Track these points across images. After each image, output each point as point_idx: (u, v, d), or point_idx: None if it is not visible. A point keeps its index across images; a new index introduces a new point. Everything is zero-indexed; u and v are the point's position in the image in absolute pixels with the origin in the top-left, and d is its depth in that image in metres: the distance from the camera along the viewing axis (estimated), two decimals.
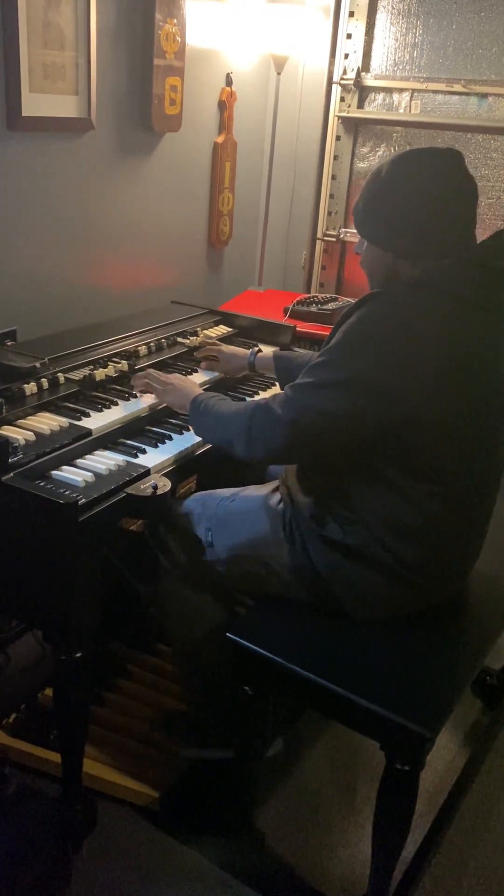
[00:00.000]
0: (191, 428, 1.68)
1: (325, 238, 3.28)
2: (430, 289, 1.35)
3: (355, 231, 1.50)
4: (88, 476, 1.47)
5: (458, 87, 2.90)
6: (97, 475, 1.49)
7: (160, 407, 1.81)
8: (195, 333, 2.25)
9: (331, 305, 2.68)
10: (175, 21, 2.40)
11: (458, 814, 1.80)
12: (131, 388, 1.84)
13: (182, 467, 1.65)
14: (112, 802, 1.73)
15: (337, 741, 1.96)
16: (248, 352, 2.06)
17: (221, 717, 1.71)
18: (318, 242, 3.30)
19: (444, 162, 1.38)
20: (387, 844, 1.44)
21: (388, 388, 1.33)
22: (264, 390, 2.06)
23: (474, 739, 2.02)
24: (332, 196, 3.23)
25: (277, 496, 1.62)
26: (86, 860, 1.61)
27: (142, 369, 1.96)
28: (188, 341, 2.18)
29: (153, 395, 1.80)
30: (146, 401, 1.79)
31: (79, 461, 1.54)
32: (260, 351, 2.07)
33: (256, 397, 2.00)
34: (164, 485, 1.48)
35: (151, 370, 1.85)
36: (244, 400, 1.87)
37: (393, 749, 1.32)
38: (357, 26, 3.00)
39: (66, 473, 1.48)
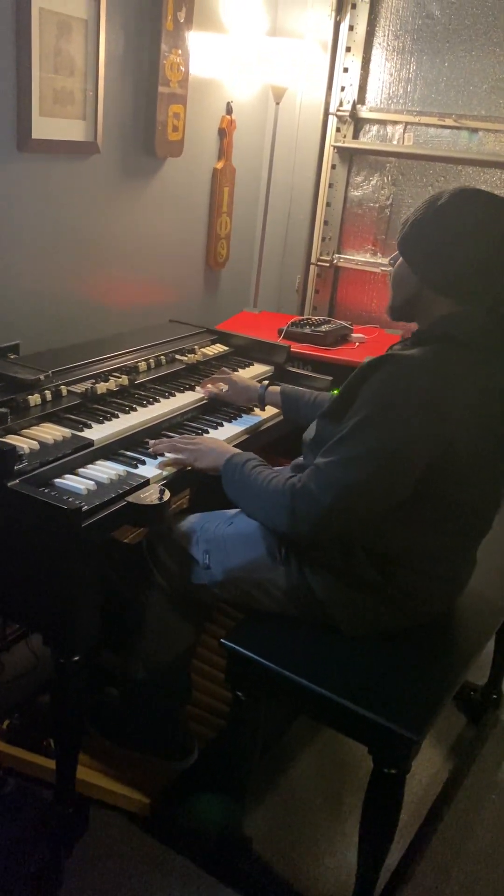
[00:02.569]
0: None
1: (319, 263, 3.37)
2: (444, 342, 1.36)
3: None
4: (90, 484, 1.52)
5: (449, 122, 3.01)
6: (99, 483, 1.54)
7: (158, 421, 1.86)
8: (193, 351, 2.31)
9: (324, 328, 2.75)
10: (179, 51, 2.49)
11: (442, 824, 1.84)
12: (133, 401, 1.89)
13: (178, 479, 1.70)
14: (103, 808, 1.76)
15: (325, 750, 2.00)
16: (259, 385, 2.06)
17: (153, 726, 1.77)
18: (313, 267, 3.39)
19: (501, 211, 1.37)
20: (372, 849, 1.48)
21: (417, 452, 1.34)
22: (249, 411, 2.09)
23: (458, 752, 2.06)
24: (326, 222, 3.33)
25: None
26: (77, 864, 1.63)
27: (142, 385, 2.02)
28: (186, 358, 2.24)
29: (174, 456, 1.68)
30: (168, 467, 1.67)
31: (81, 470, 1.59)
32: (269, 384, 2.07)
33: (255, 413, 2.06)
34: (167, 494, 1.54)
35: (175, 437, 1.76)
36: (247, 417, 1.90)
37: (380, 752, 1.37)
38: (353, 61, 3.11)
39: (69, 481, 1.53)
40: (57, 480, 1.53)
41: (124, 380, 1.98)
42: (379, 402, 1.35)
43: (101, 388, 1.90)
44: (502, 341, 1.39)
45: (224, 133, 2.95)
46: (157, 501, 1.50)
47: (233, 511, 1.72)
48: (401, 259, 1.47)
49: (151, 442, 1.74)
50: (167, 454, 1.70)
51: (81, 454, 1.63)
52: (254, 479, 1.53)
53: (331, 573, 1.52)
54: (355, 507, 1.39)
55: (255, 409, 2.07)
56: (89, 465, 1.62)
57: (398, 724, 1.33)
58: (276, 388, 2.05)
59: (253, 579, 1.61)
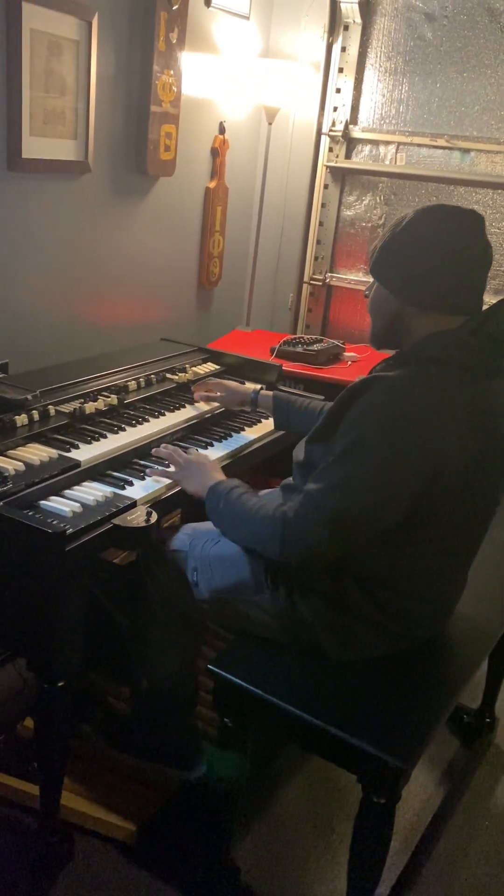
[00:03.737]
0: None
1: (312, 282, 3.37)
2: (430, 364, 1.35)
3: (363, 277, 1.51)
4: (76, 506, 1.50)
5: (441, 142, 3.02)
6: (84, 506, 1.52)
7: (147, 441, 1.85)
8: (184, 370, 2.30)
9: (316, 346, 2.75)
10: (171, 72, 2.50)
11: (435, 852, 1.81)
12: (122, 421, 1.88)
13: (167, 501, 1.69)
14: (89, 836, 1.72)
15: (316, 775, 1.96)
16: (251, 389, 2.08)
17: (160, 735, 1.77)
18: (305, 286, 3.39)
19: (467, 222, 1.38)
20: (362, 879, 1.44)
21: (407, 476, 1.33)
22: (251, 426, 2.11)
23: (451, 777, 2.03)
24: (319, 242, 3.33)
25: None
26: (61, 894, 1.60)
27: (131, 404, 2.01)
28: (177, 377, 2.23)
29: (164, 470, 1.71)
30: (157, 478, 1.69)
31: (67, 492, 1.57)
32: (262, 389, 2.09)
33: (245, 432, 2.06)
34: (153, 517, 1.52)
35: (175, 448, 1.77)
36: (238, 434, 1.92)
37: (369, 782, 1.34)
38: (346, 82, 3.13)
39: (54, 503, 1.50)
40: (42, 502, 1.51)
41: (113, 399, 1.97)
42: (366, 425, 1.34)
43: (90, 407, 1.89)
44: (487, 361, 1.37)
45: (217, 152, 2.96)
46: (143, 524, 1.48)
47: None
48: (377, 285, 1.46)
49: (154, 450, 1.77)
50: (159, 469, 1.71)
51: (68, 475, 1.61)
52: (241, 508, 1.51)
53: (319, 597, 1.50)
54: (348, 534, 1.38)
55: (246, 429, 2.06)
56: (76, 487, 1.60)
57: (387, 752, 1.30)
58: (269, 393, 2.06)
59: (240, 600, 1.60)
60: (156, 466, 1.73)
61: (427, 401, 1.32)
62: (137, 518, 1.50)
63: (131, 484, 1.66)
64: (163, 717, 1.81)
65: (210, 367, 2.43)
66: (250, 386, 2.15)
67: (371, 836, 1.40)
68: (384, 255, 1.43)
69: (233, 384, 2.13)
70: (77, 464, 1.65)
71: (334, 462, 1.37)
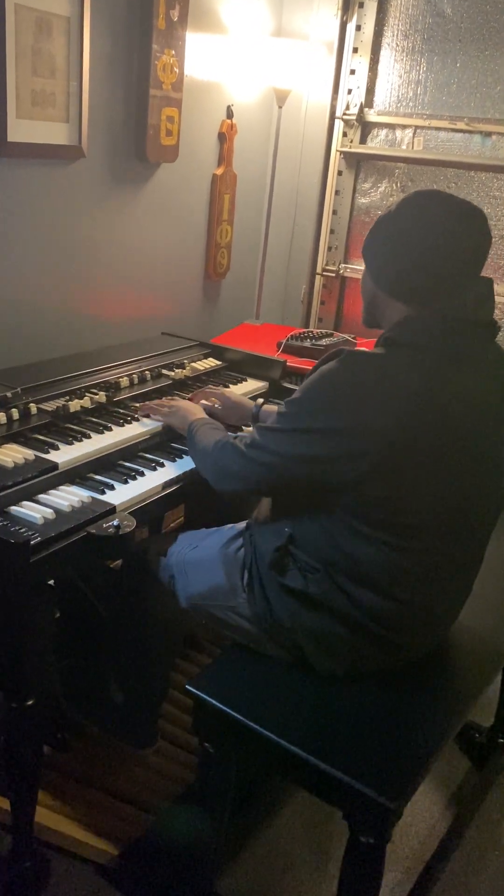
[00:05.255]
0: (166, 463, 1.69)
1: (325, 273, 3.23)
2: (399, 346, 1.31)
3: (358, 265, 1.48)
4: (48, 513, 1.40)
5: (461, 125, 2.86)
6: (58, 512, 1.42)
7: (135, 441, 1.75)
8: (182, 366, 2.19)
9: (325, 341, 2.62)
10: (173, 52, 2.38)
11: (439, 884, 1.68)
12: (109, 420, 1.79)
13: (151, 505, 1.58)
14: (67, 857, 1.63)
15: (309, 803, 1.84)
16: (253, 404, 1.95)
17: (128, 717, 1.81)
18: (318, 277, 3.26)
19: (457, 216, 1.30)
20: None
21: (340, 445, 1.30)
22: (248, 426, 1.98)
23: (459, 801, 1.90)
24: (332, 231, 3.19)
25: (238, 543, 1.57)
26: None
27: (121, 402, 1.90)
28: (174, 373, 2.12)
29: (156, 417, 1.84)
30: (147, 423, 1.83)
31: (41, 496, 1.47)
32: (264, 403, 1.96)
33: (244, 431, 1.93)
34: (129, 524, 1.41)
35: (157, 402, 1.90)
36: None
37: (356, 820, 1.23)
38: (361, 62, 2.98)
39: (25, 509, 1.40)
40: (12, 508, 1.41)
41: (102, 397, 1.86)
42: (310, 387, 1.35)
43: (75, 405, 1.78)
44: (450, 345, 1.31)
45: (224, 137, 2.84)
46: (116, 532, 1.37)
47: (203, 532, 1.68)
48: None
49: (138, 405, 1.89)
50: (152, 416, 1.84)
51: (44, 478, 1.51)
52: (202, 438, 1.61)
53: (294, 598, 1.43)
54: (268, 467, 1.41)
55: (244, 428, 1.94)
56: (51, 491, 1.50)
57: (376, 789, 1.19)
58: (271, 408, 1.93)
59: (216, 606, 1.56)
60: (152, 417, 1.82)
61: (383, 376, 1.29)
62: (113, 526, 1.39)
63: (112, 488, 1.56)
64: (131, 705, 1.80)
65: (211, 362, 2.31)
66: (250, 389, 2.04)
67: (359, 876, 1.29)
68: (369, 238, 1.40)
69: (235, 397, 1.98)
70: (54, 466, 1.55)
71: (280, 413, 1.41)
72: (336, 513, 1.36)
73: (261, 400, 2.03)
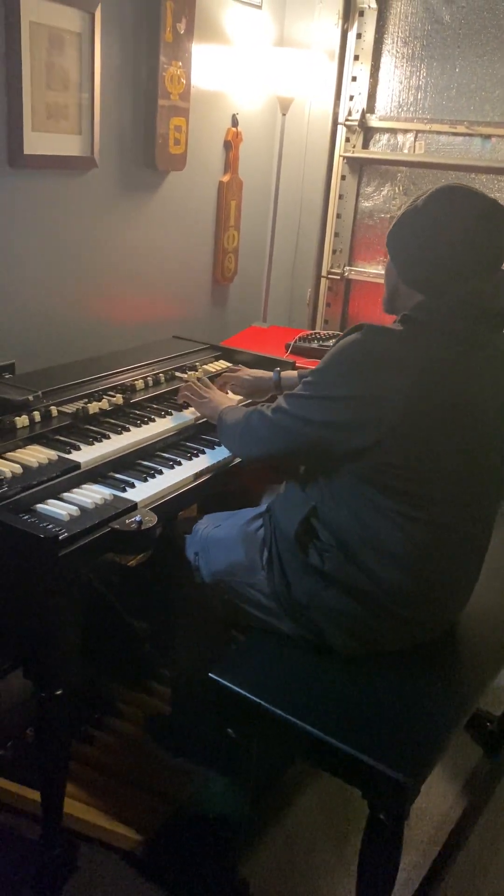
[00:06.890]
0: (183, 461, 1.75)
1: (330, 276, 3.29)
2: (416, 323, 1.38)
3: (383, 270, 1.57)
4: (73, 510, 1.46)
5: (461, 129, 2.92)
6: (83, 509, 1.47)
7: (152, 441, 1.80)
8: (194, 368, 2.25)
9: (332, 342, 2.67)
10: (180, 63, 2.45)
11: (455, 867, 1.73)
12: (126, 421, 1.85)
13: (172, 502, 1.64)
14: (94, 845, 1.68)
15: (330, 786, 1.90)
16: (272, 373, 2.07)
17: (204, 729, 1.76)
18: (323, 280, 3.31)
19: (482, 216, 1.36)
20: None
21: (358, 412, 1.38)
22: None
23: (472, 788, 1.95)
24: (336, 234, 3.25)
25: (258, 523, 1.64)
26: None
27: (138, 403, 1.96)
28: (186, 376, 2.18)
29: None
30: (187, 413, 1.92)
31: (65, 494, 1.53)
32: (281, 370, 2.08)
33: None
34: (150, 519, 1.47)
35: (194, 382, 1.98)
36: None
37: (375, 798, 1.28)
38: (362, 69, 3.04)
39: (51, 507, 1.46)
40: (39, 506, 1.47)
41: (119, 399, 1.92)
42: (335, 357, 1.42)
43: (94, 407, 1.84)
44: (469, 332, 1.38)
45: (230, 145, 2.90)
46: (139, 528, 1.42)
47: (227, 514, 1.76)
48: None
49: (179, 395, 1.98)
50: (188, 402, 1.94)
51: (67, 477, 1.56)
52: (229, 417, 1.69)
53: (311, 575, 1.49)
54: (291, 431, 1.49)
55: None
56: (75, 490, 1.55)
57: (394, 767, 1.24)
58: (291, 373, 2.05)
59: (237, 583, 1.64)
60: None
61: (393, 351, 1.37)
62: (136, 521, 1.45)
63: (133, 486, 1.61)
64: (203, 717, 1.77)
65: (222, 364, 2.37)
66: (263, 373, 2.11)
67: (379, 854, 1.34)
68: (396, 228, 1.46)
69: (251, 373, 2.12)
70: (77, 465, 1.61)
71: (304, 381, 1.49)
72: (355, 484, 1.44)
73: (277, 368, 2.11)
